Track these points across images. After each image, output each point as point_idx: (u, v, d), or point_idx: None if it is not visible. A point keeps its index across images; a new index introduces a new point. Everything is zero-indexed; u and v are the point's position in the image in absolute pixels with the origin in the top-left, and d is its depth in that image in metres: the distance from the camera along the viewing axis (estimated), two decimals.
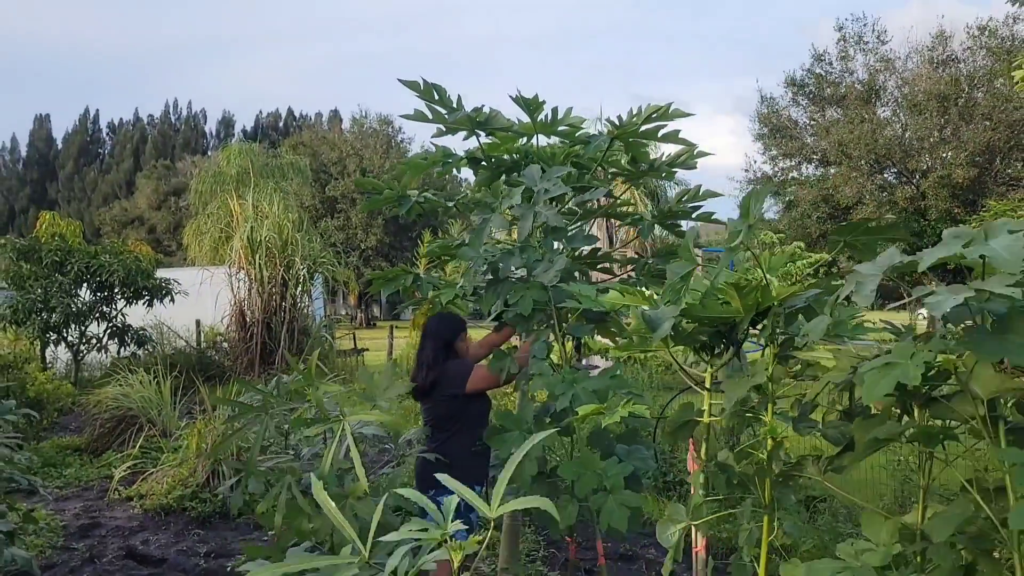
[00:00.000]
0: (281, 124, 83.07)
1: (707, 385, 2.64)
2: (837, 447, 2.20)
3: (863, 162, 24.11)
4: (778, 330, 2.35)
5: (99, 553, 4.47)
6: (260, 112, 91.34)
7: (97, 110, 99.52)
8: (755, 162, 28.33)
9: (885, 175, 25.37)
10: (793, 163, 27.53)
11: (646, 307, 2.47)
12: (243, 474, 2.37)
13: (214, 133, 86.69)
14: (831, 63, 25.44)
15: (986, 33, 22.00)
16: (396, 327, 18.84)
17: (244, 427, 2.31)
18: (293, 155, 17.92)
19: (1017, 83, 8.52)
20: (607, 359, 9.07)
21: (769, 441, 2.37)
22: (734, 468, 2.45)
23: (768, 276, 2.34)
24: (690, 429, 2.66)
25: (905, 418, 2.06)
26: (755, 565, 2.44)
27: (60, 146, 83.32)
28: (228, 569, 4.11)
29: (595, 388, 2.91)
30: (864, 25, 24.73)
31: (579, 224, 4.84)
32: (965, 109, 22.17)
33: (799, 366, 2.48)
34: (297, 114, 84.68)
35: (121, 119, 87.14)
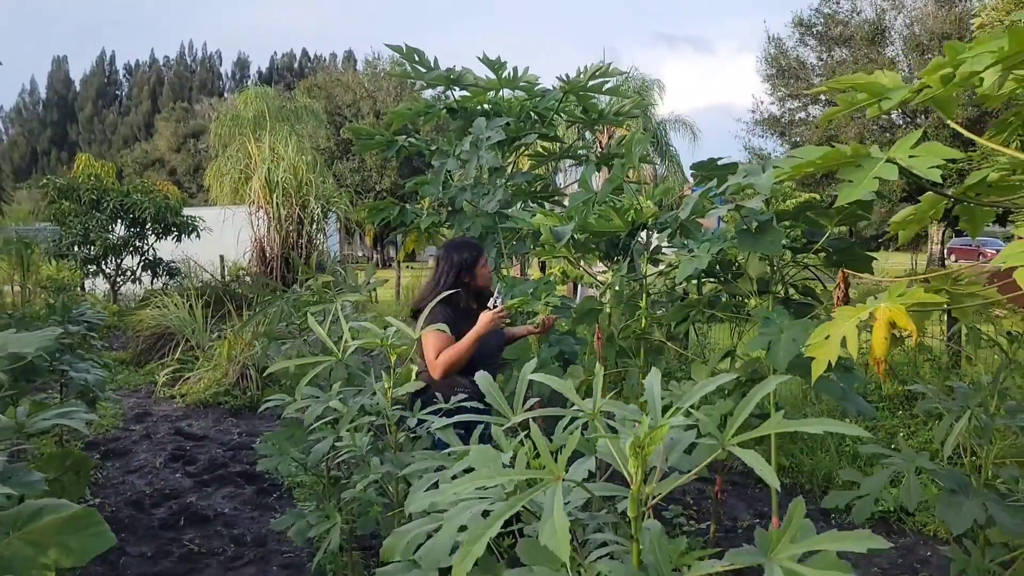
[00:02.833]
0: (296, 65, 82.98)
1: (607, 284, 3.57)
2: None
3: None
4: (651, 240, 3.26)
5: (153, 431, 5.55)
6: (275, 53, 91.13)
7: (113, 52, 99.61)
8: (762, 103, 28.61)
9: (889, 116, 25.63)
10: (800, 104, 27.78)
11: (557, 224, 3.38)
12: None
13: (230, 75, 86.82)
14: (839, 2, 25.48)
15: None
16: (410, 267, 20.14)
17: (267, 305, 3.26)
18: (307, 98, 18.71)
19: (975, 32, 9.10)
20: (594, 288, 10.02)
21: (643, 320, 3.30)
22: (617, 340, 3.39)
23: (643, 200, 3.23)
24: (594, 316, 3.60)
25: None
26: None
27: (78, 88, 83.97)
28: (257, 443, 5.15)
29: (530, 288, 3.84)
30: None
31: (542, 163, 5.69)
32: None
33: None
34: (312, 55, 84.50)
35: (137, 61, 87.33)
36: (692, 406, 1.34)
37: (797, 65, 27.11)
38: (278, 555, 3.47)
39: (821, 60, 26.96)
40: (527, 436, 1.34)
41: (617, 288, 3.39)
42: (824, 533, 1.03)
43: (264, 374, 2.25)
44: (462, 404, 2.09)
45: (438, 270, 3.16)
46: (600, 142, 18.51)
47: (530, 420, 1.32)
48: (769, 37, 27.40)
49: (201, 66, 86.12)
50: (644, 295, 3.28)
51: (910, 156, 1.64)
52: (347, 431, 2.39)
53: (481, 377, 1.81)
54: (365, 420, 2.41)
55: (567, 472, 1.28)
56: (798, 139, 27.18)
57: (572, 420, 1.54)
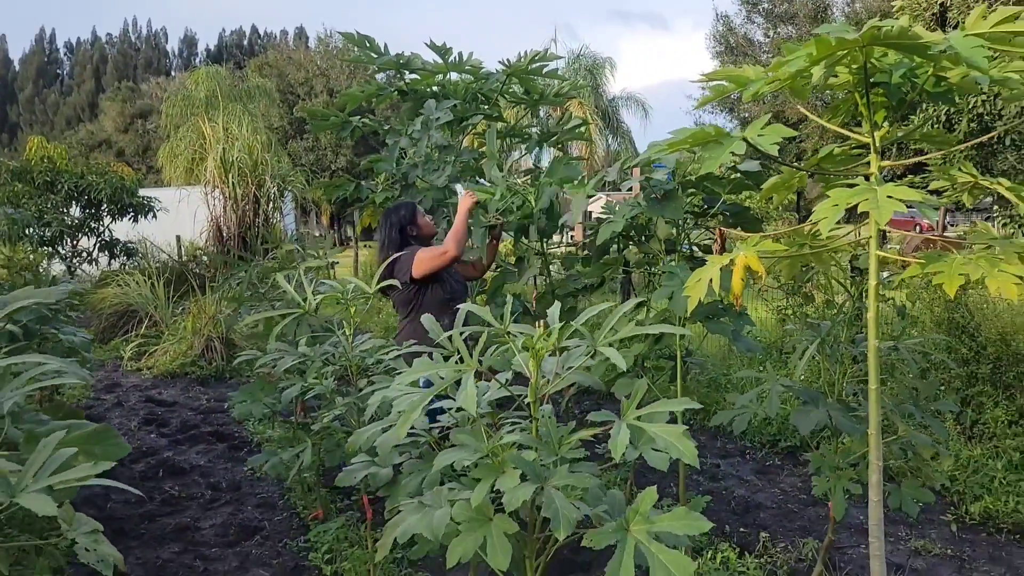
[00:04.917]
0: (246, 43, 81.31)
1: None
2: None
3: None
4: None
5: (125, 400, 5.86)
6: (223, 30, 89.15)
7: (53, 29, 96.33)
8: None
9: (835, 94, 26.48)
10: None
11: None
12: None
13: (177, 53, 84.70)
14: None
15: None
16: (368, 245, 20.52)
17: (234, 273, 3.62)
18: (259, 77, 18.72)
19: (896, 14, 9.68)
20: None
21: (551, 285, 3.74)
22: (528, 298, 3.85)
23: (529, 194, 3.65)
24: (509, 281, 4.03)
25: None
26: None
27: (18, 68, 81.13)
28: (225, 406, 5.50)
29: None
30: None
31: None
32: None
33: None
34: (262, 32, 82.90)
35: (79, 38, 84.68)
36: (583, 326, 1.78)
37: (745, 43, 27.77)
38: (252, 497, 3.86)
39: (768, 37, 27.65)
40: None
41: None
42: (655, 402, 1.48)
43: (237, 327, 2.58)
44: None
45: (383, 234, 3.52)
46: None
47: (458, 337, 1.74)
48: (717, 15, 28.04)
49: (146, 44, 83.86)
50: (545, 262, 3.73)
51: (759, 135, 2.09)
52: (314, 377, 2.79)
53: (425, 319, 2.22)
54: (330, 368, 2.81)
55: (492, 379, 1.72)
56: (747, 115, 27.95)
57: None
